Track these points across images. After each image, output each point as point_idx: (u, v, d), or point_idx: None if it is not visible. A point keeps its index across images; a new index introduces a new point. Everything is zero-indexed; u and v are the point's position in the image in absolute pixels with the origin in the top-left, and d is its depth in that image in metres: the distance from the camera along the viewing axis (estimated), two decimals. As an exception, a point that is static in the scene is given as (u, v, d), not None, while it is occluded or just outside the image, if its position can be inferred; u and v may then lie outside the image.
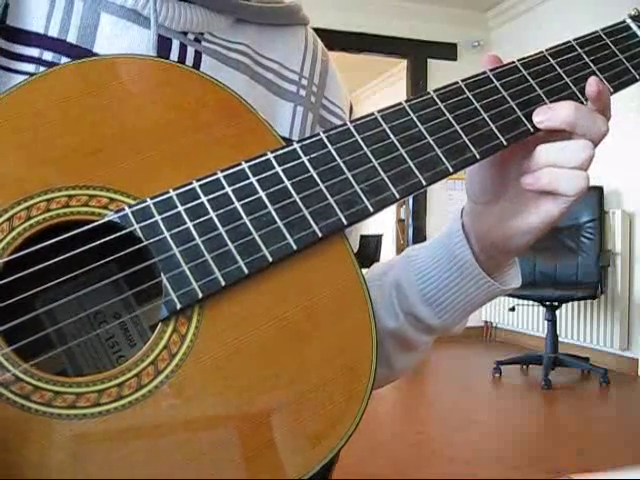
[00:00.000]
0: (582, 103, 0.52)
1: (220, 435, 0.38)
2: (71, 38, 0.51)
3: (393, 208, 6.70)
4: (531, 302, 4.00)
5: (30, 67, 0.49)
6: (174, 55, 0.54)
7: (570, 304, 4.07)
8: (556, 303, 3.74)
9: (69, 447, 0.36)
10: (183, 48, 0.54)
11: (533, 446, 2.67)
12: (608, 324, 3.91)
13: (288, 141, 0.46)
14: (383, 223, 6.44)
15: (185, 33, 0.55)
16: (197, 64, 0.55)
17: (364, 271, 0.48)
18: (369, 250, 4.78)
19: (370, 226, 6.01)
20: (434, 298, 0.57)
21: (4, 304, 0.37)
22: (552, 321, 3.74)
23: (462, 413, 3.17)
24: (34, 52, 0.50)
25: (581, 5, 4.04)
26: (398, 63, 5.68)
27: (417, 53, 4.94)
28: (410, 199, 4.92)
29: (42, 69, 0.49)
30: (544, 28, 4.27)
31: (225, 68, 0.56)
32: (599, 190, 3.88)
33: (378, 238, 4.97)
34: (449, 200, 4.96)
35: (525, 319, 4.53)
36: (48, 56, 0.50)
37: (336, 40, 4.28)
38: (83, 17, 0.51)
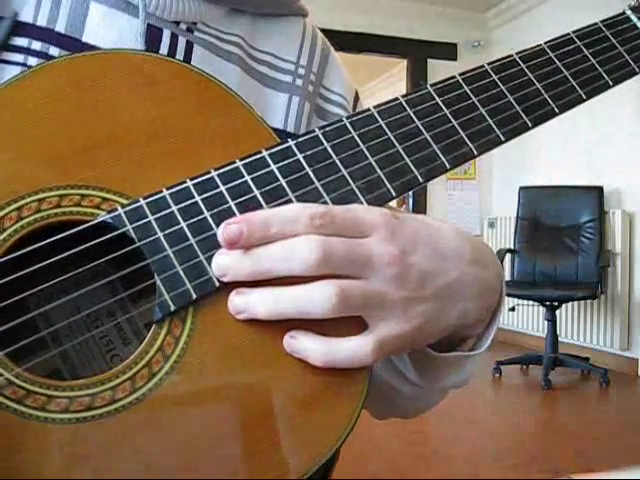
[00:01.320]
0: (582, 97, 0.51)
1: (216, 438, 0.38)
2: (59, 27, 0.50)
3: (393, 208, 6.69)
4: (531, 302, 4.00)
5: (19, 57, 0.48)
6: (164, 45, 0.53)
7: (570, 304, 4.07)
8: (556, 303, 3.74)
9: (62, 452, 0.35)
10: (174, 38, 0.53)
11: (533, 446, 2.67)
12: (608, 324, 3.91)
13: (282, 133, 0.45)
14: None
15: (177, 23, 0.54)
16: (188, 55, 0.54)
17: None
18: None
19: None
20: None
21: None
22: (552, 321, 3.74)
23: (462, 413, 3.16)
24: (22, 42, 0.49)
25: (581, 5, 4.03)
26: (398, 63, 5.67)
27: (417, 53, 4.94)
28: (410, 199, 4.92)
29: (30, 59, 0.49)
30: (544, 28, 4.27)
31: (217, 59, 0.55)
32: (599, 190, 3.87)
33: (378, 238, 4.96)
34: (449, 200, 4.96)
35: (525, 319, 4.53)
36: (36, 46, 0.49)
37: (336, 40, 4.23)
38: (72, 6, 0.51)
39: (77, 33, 0.50)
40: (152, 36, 0.52)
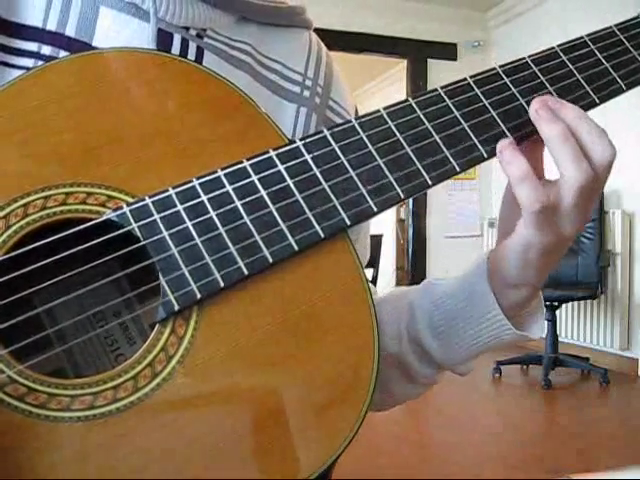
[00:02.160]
0: (595, 102, 0.51)
1: (219, 438, 0.38)
2: (69, 32, 0.50)
3: (393, 208, 6.69)
4: (531, 302, 3.99)
5: (29, 62, 0.48)
6: (175, 50, 0.53)
7: (570, 304, 4.07)
8: (556, 303, 3.74)
9: (63, 450, 0.35)
10: (185, 43, 0.54)
11: (533, 446, 2.67)
12: (608, 324, 3.91)
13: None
14: (383, 223, 6.44)
15: (187, 28, 0.54)
16: (199, 60, 0.54)
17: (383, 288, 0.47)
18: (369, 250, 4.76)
19: (370, 226, 5.99)
20: (442, 329, 0.55)
21: (1, 303, 0.37)
22: (552, 321, 3.74)
23: (462, 413, 3.16)
24: (32, 46, 0.49)
25: (581, 5, 4.03)
26: (398, 63, 5.67)
27: (417, 53, 4.94)
28: (410, 199, 4.91)
29: (40, 63, 0.48)
30: (544, 28, 4.27)
31: (227, 66, 0.55)
32: (599, 190, 3.87)
33: (378, 238, 4.97)
34: (449, 200, 4.96)
35: (525, 319, 4.52)
36: (46, 50, 0.49)
37: (336, 40, 4.27)
38: (82, 10, 0.50)
39: (87, 37, 0.50)
40: (163, 41, 0.52)
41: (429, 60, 4.95)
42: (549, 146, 0.46)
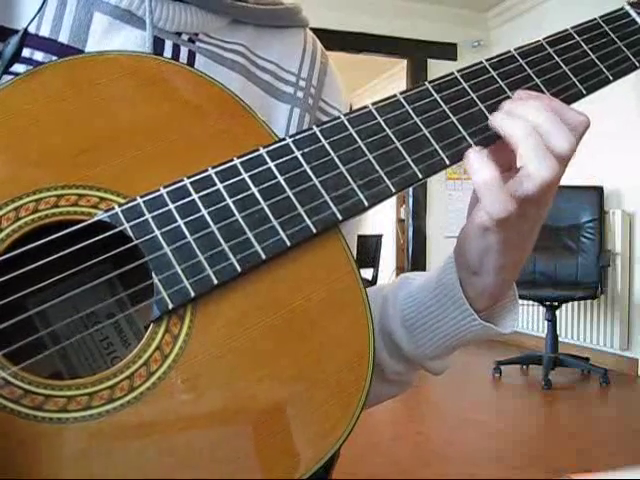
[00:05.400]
0: (582, 93, 0.51)
1: (215, 436, 0.38)
2: (62, 38, 0.50)
3: (393, 208, 6.70)
4: (531, 302, 3.99)
5: (20, 67, 0.48)
6: (167, 55, 0.53)
7: (570, 304, 4.07)
8: (556, 303, 3.74)
9: (60, 451, 0.35)
10: (176, 48, 0.54)
11: (533, 446, 2.67)
12: (608, 324, 3.91)
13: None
14: (383, 223, 6.44)
15: (179, 34, 0.54)
16: (191, 64, 0.54)
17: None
18: (369, 250, 4.77)
19: (370, 226, 6.00)
20: (412, 321, 0.55)
21: None
22: (552, 321, 3.74)
23: (462, 413, 3.16)
24: (25, 52, 0.49)
25: (581, 5, 4.03)
26: (398, 63, 5.67)
27: (417, 53, 4.94)
28: (410, 199, 4.92)
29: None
30: (544, 28, 4.25)
31: (220, 68, 0.56)
32: (599, 190, 3.87)
33: (378, 238, 4.97)
34: (449, 200, 4.96)
35: (525, 319, 4.53)
36: (39, 56, 0.49)
37: (336, 40, 4.28)
38: (75, 17, 0.51)
39: (80, 44, 0.50)
40: (155, 46, 0.52)
41: (429, 60, 4.95)
42: (512, 145, 0.46)
